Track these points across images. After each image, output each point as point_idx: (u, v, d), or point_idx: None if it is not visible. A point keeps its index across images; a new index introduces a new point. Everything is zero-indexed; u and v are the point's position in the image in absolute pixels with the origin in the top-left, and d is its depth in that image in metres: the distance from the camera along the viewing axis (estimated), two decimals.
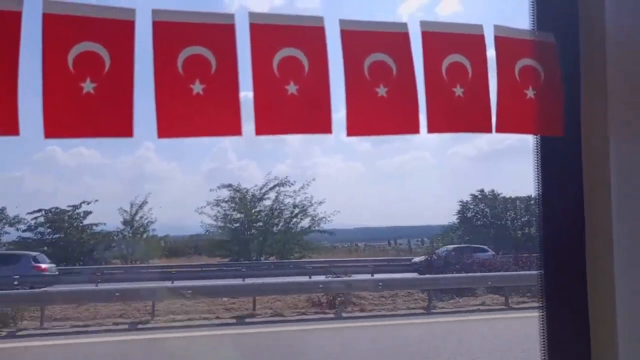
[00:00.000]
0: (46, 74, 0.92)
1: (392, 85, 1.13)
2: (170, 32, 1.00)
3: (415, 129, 1.15)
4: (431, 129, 1.16)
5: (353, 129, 1.12)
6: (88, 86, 0.95)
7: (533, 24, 1.31)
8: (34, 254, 19.54)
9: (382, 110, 1.13)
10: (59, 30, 0.94)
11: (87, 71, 0.95)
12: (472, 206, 29.72)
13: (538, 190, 1.30)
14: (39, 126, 0.92)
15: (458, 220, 30.43)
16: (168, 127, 1.00)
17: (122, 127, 0.97)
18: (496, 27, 1.22)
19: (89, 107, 0.95)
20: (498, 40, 1.22)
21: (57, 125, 0.93)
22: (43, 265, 18.47)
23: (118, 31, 0.97)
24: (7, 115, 0.90)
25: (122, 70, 0.97)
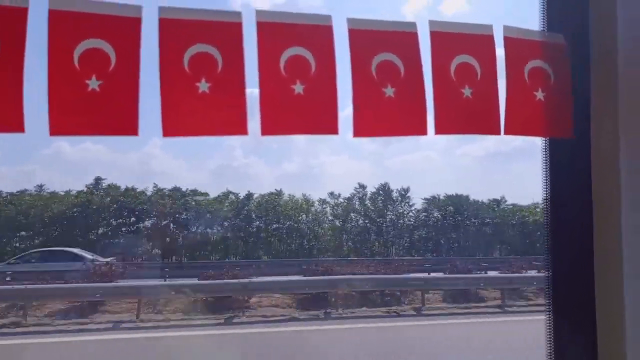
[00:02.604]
0: (51, 71, 0.92)
1: (399, 86, 1.12)
2: (177, 30, 0.99)
3: (422, 131, 1.14)
4: (439, 130, 1.15)
5: (360, 130, 1.10)
6: (93, 83, 0.94)
7: (543, 24, 1.29)
8: None
9: (389, 111, 1.12)
10: (65, 26, 0.93)
11: (92, 68, 0.94)
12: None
13: (546, 193, 1.29)
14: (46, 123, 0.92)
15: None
16: (173, 126, 0.99)
17: (127, 125, 0.97)
18: (505, 28, 1.21)
19: (94, 104, 0.94)
20: (507, 40, 1.21)
21: (63, 123, 0.93)
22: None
23: (124, 28, 0.96)
24: (12, 113, 0.90)
25: (128, 67, 0.96)
